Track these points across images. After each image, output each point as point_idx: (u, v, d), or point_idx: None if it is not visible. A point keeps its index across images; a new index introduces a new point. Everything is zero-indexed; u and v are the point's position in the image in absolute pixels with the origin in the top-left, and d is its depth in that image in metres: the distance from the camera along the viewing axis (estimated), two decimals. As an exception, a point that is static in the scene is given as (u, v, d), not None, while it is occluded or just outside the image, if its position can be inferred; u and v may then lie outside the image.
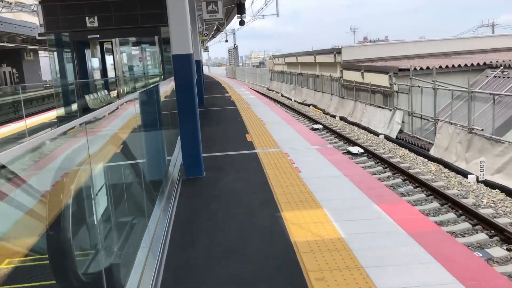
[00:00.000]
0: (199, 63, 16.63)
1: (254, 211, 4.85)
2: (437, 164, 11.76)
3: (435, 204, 8.81)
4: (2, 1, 34.18)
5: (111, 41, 12.56)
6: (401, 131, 15.35)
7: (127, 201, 3.75)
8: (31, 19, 32.20)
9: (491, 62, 15.57)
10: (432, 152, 12.61)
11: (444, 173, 10.98)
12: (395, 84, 15.73)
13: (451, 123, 12.38)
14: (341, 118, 20.77)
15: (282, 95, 35.57)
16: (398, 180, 10.60)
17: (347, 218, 4.50)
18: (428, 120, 14.15)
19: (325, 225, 4.33)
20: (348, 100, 20.96)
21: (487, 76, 14.80)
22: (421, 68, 15.55)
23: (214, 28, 38.99)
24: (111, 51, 14.40)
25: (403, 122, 15.32)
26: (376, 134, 16.48)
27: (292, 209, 4.83)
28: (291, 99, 31.65)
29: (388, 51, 22.00)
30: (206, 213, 4.91)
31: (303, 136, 9.37)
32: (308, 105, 27.09)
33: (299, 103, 29.31)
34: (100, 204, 3.09)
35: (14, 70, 36.88)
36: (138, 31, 12.29)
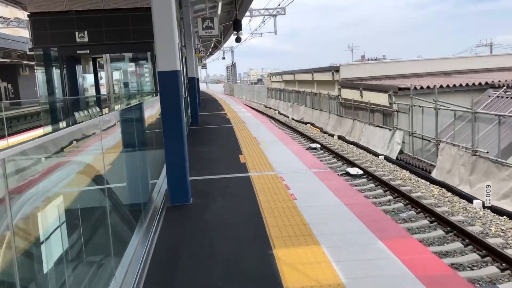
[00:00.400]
0: (194, 81, 16.22)
1: (243, 248, 4.30)
2: (440, 188, 11.24)
3: (439, 232, 8.26)
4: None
5: (102, 57, 12.12)
6: (401, 152, 14.87)
7: (92, 238, 3.21)
8: (28, 35, 31.88)
9: (493, 81, 15.18)
10: (434, 174, 12.10)
11: (447, 197, 10.45)
12: (395, 103, 15.31)
13: (454, 145, 11.90)
14: (339, 137, 20.31)
15: (279, 113, 35.20)
16: (400, 204, 10.07)
17: (348, 258, 3.95)
18: (429, 141, 13.67)
19: (323, 266, 3.79)
20: (346, 119, 20.53)
21: (489, 96, 14.39)
22: (422, 87, 15.14)
23: (212, 45, 38.80)
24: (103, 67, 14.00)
25: (403, 142, 14.84)
26: (376, 154, 15.99)
27: (286, 245, 4.28)
28: (288, 117, 31.25)
29: (386, 69, 21.67)
30: (188, 250, 4.36)
31: (300, 158, 8.86)
32: (306, 123, 26.67)
33: (296, 121, 28.90)
34: (52, 245, 2.55)
35: (9, 86, 36.50)
36: (130, 46, 11.87)
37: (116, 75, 15.20)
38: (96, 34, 11.74)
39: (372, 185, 11.87)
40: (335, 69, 21.95)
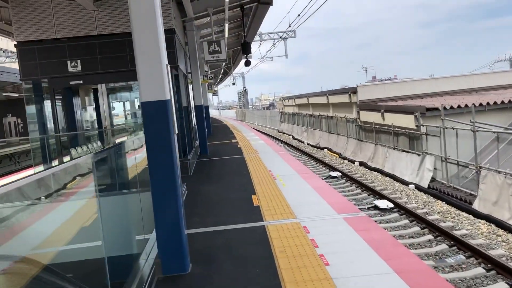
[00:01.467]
0: (202, 109, 14.99)
1: None
2: (488, 223, 9.64)
3: (502, 286, 6.69)
4: (3, 52, 33.65)
5: (97, 88, 10.98)
6: (433, 179, 13.30)
7: None
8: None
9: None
10: (477, 206, 10.52)
11: (500, 236, 8.85)
12: (423, 125, 13.83)
13: (499, 172, 10.35)
14: (361, 164, 18.79)
15: (293, 138, 33.84)
16: (443, 246, 8.51)
17: None
18: (466, 167, 12.12)
19: None
20: (367, 143, 19.05)
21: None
22: (452, 107, 13.67)
23: (222, 72, 37.91)
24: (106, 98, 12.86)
25: (435, 169, 13.30)
26: (404, 182, 14.44)
27: None
28: (303, 142, 29.83)
29: (408, 89, 20.25)
30: None
31: (323, 197, 7.42)
32: (322, 149, 25.21)
33: (312, 146, 27.46)
34: None
35: (18, 120, 35.89)
36: (128, 74, 10.71)
37: (120, 105, 14.09)
38: (90, 62, 10.62)
39: (406, 221, 10.32)
40: (352, 91, 20.60)
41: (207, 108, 25.74)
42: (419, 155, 14.10)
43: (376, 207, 11.53)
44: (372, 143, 18.41)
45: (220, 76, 42.29)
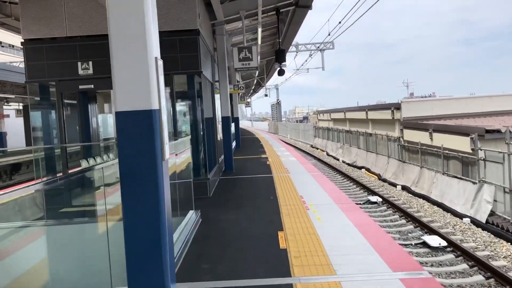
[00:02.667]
0: (228, 121, 13.60)
1: None
2: None
3: None
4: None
5: (110, 93, 9.78)
6: (492, 213, 11.38)
7: None
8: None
9: None
10: (555, 252, 8.61)
11: None
12: (480, 149, 11.95)
13: None
14: (403, 188, 16.90)
15: (327, 154, 32.04)
16: (520, 307, 6.71)
17: None
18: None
19: None
20: (410, 165, 17.18)
21: None
22: (517, 129, 11.74)
23: (255, 82, 36.67)
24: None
25: (495, 200, 11.38)
26: (455, 213, 12.55)
27: None
28: (338, 159, 28.02)
29: (458, 107, 18.30)
30: None
31: (370, 241, 5.80)
32: (360, 168, 23.35)
33: (348, 164, 25.63)
34: None
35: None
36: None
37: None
38: (103, 64, 9.41)
39: (465, 265, 8.52)
40: (396, 107, 18.81)
41: (236, 120, 24.43)
42: (474, 183, 12.20)
43: (424, 244, 9.77)
44: (417, 165, 16.54)
45: (253, 87, 41.05)
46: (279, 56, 13.34)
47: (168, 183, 3.13)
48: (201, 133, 9.83)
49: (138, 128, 2.89)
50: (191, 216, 6.92)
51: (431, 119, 17.93)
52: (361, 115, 24.43)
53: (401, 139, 18.48)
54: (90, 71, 9.44)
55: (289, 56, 38.51)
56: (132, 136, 2.90)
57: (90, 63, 9.43)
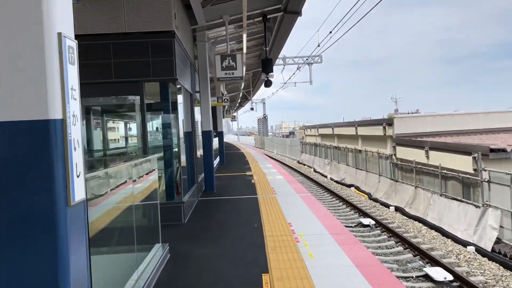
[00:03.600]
0: (209, 135, 12.42)
1: None
2: None
3: None
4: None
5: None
6: (497, 241, 10.32)
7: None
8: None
9: None
10: None
11: None
12: (484, 170, 10.94)
13: None
14: (397, 209, 15.82)
15: (315, 170, 30.98)
16: None
17: None
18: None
19: None
20: (404, 185, 16.14)
21: None
22: (523, 149, 10.80)
23: (240, 96, 35.60)
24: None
25: (501, 227, 10.34)
26: (456, 239, 11.49)
27: None
28: (326, 176, 26.94)
29: (455, 123, 17.41)
30: None
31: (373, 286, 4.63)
32: (349, 186, 22.27)
33: (336, 181, 24.55)
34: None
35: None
36: (108, 88, 8.26)
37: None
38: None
39: (477, 305, 7.40)
40: (388, 123, 17.84)
41: (221, 134, 23.24)
42: (478, 207, 11.16)
43: (427, 277, 8.65)
44: (411, 185, 15.51)
45: (239, 100, 39.98)
46: (266, 66, 12.25)
47: (84, 241, 1.95)
48: (176, 149, 8.61)
49: (21, 151, 1.72)
50: (157, 251, 5.68)
51: (425, 135, 17.00)
52: (350, 130, 23.45)
53: (393, 156, 17.49)
54: None
55: (276, 70, 37.64)
56: (10, 164, 1.72)
57: None
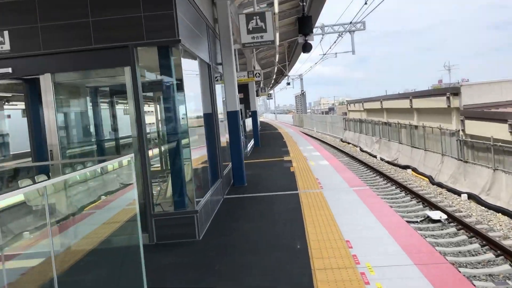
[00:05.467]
0: (237, 117, 9.99)
1: None
2: None
3: None
4: None
5: (39, 79, 6.25)
6: None
7: None
8: None
9: None
10: None
11: None
12: None
13: None
14: (470, 196, 12.96)
15: (361, 150, 28.10)
16: None
17: None
18: None
19: None
20: (477, 167, 13.22)
21: None
22: None
23: (275, 71, 32.89)
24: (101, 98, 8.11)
25: None
26: None
27: None
28: (375, 156, 24.08)
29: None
30: None
31: None
32: (404, 168, 19.39)
33: (387, 162, 21.68)
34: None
35: None
36: (89, 58, 5.96)
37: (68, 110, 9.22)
38: (27, 35, 5.96)
39: None
40: (453, 92, 14.81)
41: (254, 114, 20.78)
42: None
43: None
44: (486, 166, 12.58)
45: (274, 76, 37.25)
46: (304, 25, 9.63)
47: None
48: (186, 139, 6.23)
49: None
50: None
51: (501, 106, 13.93)
52: (403, 103, 20.42)
53: (461, 132, 14.52)
54: (6, 46, 5.99)
55: (314, 41, 34.69)
56: None
57: (6, 33, 5.98)
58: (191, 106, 6.92)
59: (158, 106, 7.22)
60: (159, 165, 8.17)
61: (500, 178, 11.89)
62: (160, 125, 6.76)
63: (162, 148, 7.81)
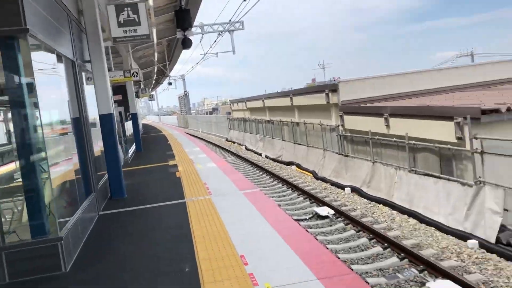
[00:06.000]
0: (111, 122, 8.86)
1: None
2: None
3: None
4: None
5: None
6: (503, 228, 8.03)
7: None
8: None
9: None
10: None
11: None
12: (476, 138, 8.55)
13: None
14: (353, 189, 13.36)
15: (246, 148, 28.15)
16: None
17: None
18: None
19: None
20: (357, 160, 13.69)
21: None
22: (519, 107, 8.54)
23: (155, 71, 31.48)
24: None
25: (505, 210, 8.04)
26: (438, 226, 9.17)
27: None
28: (260, 154, 24.17)
29: (407, 84, 15.18)
30: None
31: None
32: (288, 164, 19.65)
33: (272, 159, 21.86)
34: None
35: None
36: None
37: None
38: None
39: None
40: (331, 89, 15.21)
41: (134, 116, 19.42)
42: (469, 185, 8.81)
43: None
44: (367, 160, 13.06)
45: (155, 76, 35.74)
46: (182, 19, 8.86)
47: None
48: (40, 150, 5.09)
49: None
50: None
51: (374, 100, 14.63)
52: (284, 101, 20.68)
53: (340, 127, 14.97)
54: None
55: (194, 40, 34.02)
56: None
57: None
58: (51, 110, 5.77)
59: (2, 113, 5.94)
60: (13, 183, 6.80)
61: (379, 170, 12.39)
62: (8, 136, 5.52)
63: (14, 163, 6.49)
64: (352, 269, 7.23)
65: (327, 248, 5.06)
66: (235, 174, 10.89)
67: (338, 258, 5.25)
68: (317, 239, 5.48)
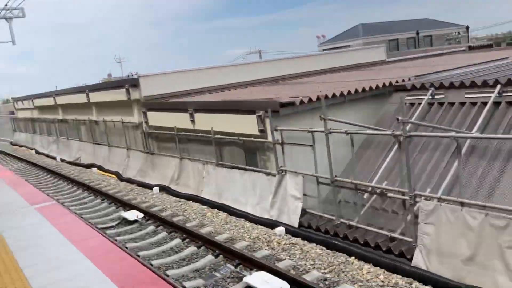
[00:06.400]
0: None
1: None
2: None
3: None
4: None
5: None
6: (304, 212, 8.65)
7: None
8: None
9: (397, 82, 10.49)
10: (421, 262, 6.35)
11: None
12: (276, 130, 9.00)
13: (441, 199, 6.37)
14: (162, 188, 12.90)
15: (37, 152, 25.01)
16: None
17: None
18: (367, 191, 7.96)
19: None
20: (164, 158, 13.29)
21: (410, 105, 9.55)
22: (311, 100, 9.32)
23: None
24: None
25: (305, 195, 8.69)
26: (248, 217, 9.47)
27: None
28: (54, 158, 21.68)
29: (210, 79, 15.33)
30: None
31: None
32: (88, 167, 18.05)
33: (69, 163, 19.82)
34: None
35: None
36: None
37: None
38: None
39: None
40: (132, 84, 14.37)
41: None
42: (273, 175, 9.26)
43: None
44: (174, 156, 12.76)
45: None
46: None
47: None
48: None
49: None
50: None
51: (180, 95, 14.42)
52: (79, 98, 18.82)
53: (144, 124, 14.30)
54: None
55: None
56: None
57: None
58: None
59: None
60: None
61: (187, 166, 12.21)
62: None
63: None
64: (168, 275, 6.81)
65: (145, 266, 4.49)
66: (24, 185, 9.29)
67: (154, 272, 4.73)
68: (132, 255, 4.85)
